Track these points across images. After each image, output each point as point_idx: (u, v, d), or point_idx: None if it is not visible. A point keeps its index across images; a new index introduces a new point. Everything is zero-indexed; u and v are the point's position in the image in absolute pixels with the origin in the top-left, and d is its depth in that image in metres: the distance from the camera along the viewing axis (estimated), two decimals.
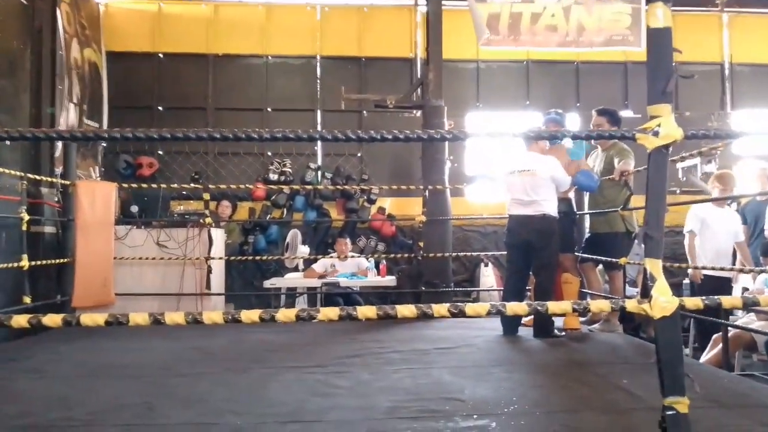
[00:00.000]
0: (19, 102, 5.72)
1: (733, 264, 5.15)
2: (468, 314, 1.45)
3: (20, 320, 1.40)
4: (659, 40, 1.59)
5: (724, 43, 8.78)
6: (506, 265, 4.89)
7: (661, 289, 1.51)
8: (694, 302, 1.59)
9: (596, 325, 4.62)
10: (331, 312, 1.51)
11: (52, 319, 1.41)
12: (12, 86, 5.60)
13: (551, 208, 4.31)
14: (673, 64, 1.67)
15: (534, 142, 4.41)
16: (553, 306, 1.55)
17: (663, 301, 1.51)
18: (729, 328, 3.85)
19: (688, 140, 1.68)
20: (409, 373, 3.15)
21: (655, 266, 1.54)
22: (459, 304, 1.50)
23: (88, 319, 1.45)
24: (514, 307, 1.53)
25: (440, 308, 1.46)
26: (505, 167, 4.51)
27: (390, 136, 1.55)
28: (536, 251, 4.31)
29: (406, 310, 1.46)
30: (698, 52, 8.24)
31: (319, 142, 8.14)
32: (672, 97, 1.63)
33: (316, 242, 7.84)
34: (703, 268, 4.87)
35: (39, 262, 4.72)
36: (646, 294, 1.54)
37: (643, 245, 1.74)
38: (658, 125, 1.61)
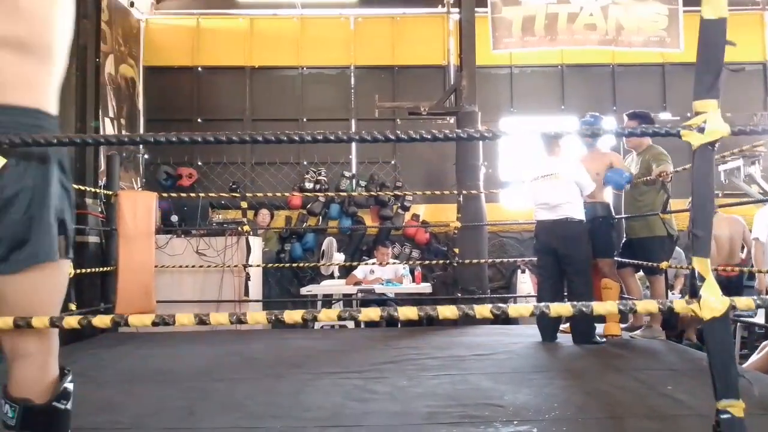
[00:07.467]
0: (65, 116, 5.93)
1: None
2: (511, 315, 1.43)
3: (71, 321, 1.44)
4: (712, 32, 1.53)
5: (767, 42, 8.52)
6: (537, 271, 4.82)
7: (711, 288, 1.46)
8: (745, 302, 1.53)
9: (638, 332, 4.51)
10: (373, 312, 1.51)
11: (102, 320, 1.45)
12: (60, 101, 5.80)
13: (576, 212, 4.28)
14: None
15: (556, 145, 4.40)
16: (598, 307, 1.52)
17: (713, 302, 1.46)
18: None
19: (730, 142, 1.62)
20: (447, 379, 3.13)
21: (703, 265, 1.49)
22: (501, 305, 1.48)
23: (135, 319, 1.48)
24: (558, 308, 1.50)
25: (482, 309, 1.45)
26: (530, 174, 4.50)
27: (429, 136, 1.55)
28: (565, 257, 4.26)
29: (447, 311, 1.45)
30: (739, 52, 7.97)
31: (353, 151, 8.22)
32: (719, 92, 1.57)
33: (351, 249, 7.88)
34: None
35: (83, 271, 4.87)
36: (694, 294, 1.49)
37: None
38: (704, 121, 1.56)
